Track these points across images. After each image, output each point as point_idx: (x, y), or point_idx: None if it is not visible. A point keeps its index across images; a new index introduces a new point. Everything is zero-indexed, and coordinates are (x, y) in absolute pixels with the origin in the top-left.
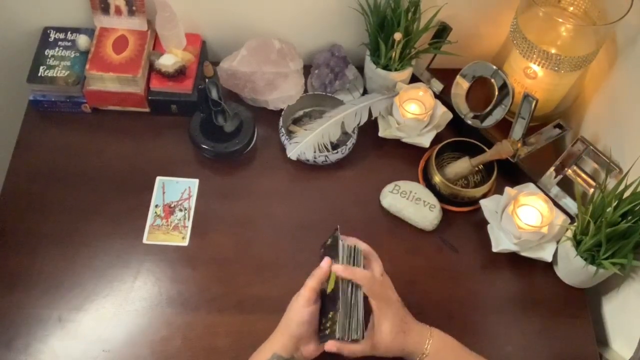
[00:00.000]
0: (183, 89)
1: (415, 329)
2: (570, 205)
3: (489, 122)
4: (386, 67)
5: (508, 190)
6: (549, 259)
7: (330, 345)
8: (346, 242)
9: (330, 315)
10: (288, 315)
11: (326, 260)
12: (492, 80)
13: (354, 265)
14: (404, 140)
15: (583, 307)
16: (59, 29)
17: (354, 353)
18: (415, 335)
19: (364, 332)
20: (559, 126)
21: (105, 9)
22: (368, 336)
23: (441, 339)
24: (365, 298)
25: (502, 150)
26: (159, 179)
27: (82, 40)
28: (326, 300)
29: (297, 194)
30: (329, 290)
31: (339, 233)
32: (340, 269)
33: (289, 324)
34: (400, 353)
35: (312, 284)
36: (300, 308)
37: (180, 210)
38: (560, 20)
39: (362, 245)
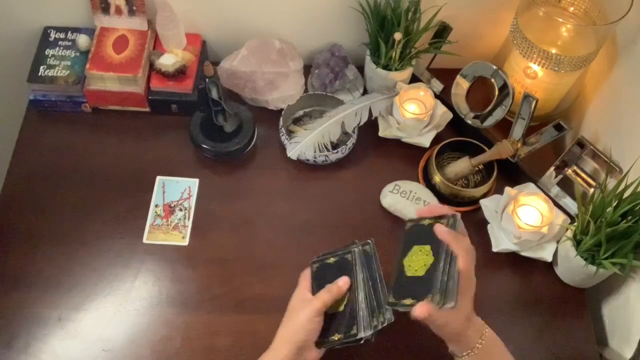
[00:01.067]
0: (183, 88)
1: (475, 321)
2: (570, 205)
3: (489, 122)
4: (386, 67)
5: (508, 190)
6: (549, 258)
7: (423, 308)
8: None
9: (335, 336)
10: (295, 324)
11: (344, 280)
12: (492, 80)
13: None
14: (404, 140)
15: (583, 307)
16: (59, 29)
17: (436, 320)
18: (474, 328)
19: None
20: (559, 126)
21: (106, 9)
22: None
23: (492, 342)
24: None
25: (502, 150)
26: (159, 178)
27: (83, 40)
28: (331, 319)
29: (297, 194)
30: (332, 310)
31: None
32: (444, 231)
33: (297, 331)
34: (455, 338)
35: (326, 298)
36: (312, 318)
37: (181, 210)
38: (561, 20)
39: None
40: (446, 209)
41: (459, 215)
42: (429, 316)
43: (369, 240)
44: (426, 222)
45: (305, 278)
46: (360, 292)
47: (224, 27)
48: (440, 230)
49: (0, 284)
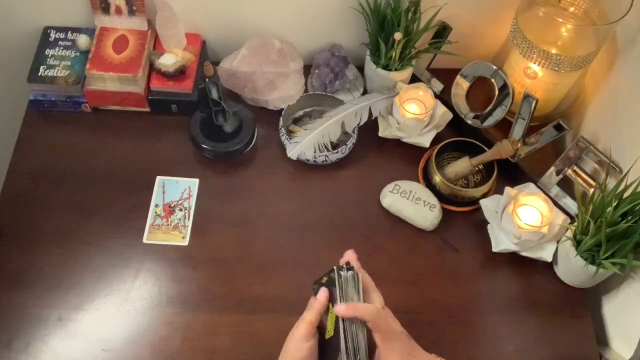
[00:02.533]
0: (183, 88)
1: None
2: (570, 205)
3: (489, 122)
4: (386, 67)
5: (508, 190)
6: (549, 259)
7: None
8: (343, 275)
9: None
10: (285, 354)
11: (323, 292)
12: (492, 80)
13: (357, 293)
14: (404, 140)
15: (583, 307)
16: (59, 29)
17: None
18: None
19: None
20: (559, 126)
21: (106, 9)
22: None
23: None
24: (369, 334)
25: (502, 150)
26: (159, 178)
27: (83, 40)
28: (326, 347)
29: (297, 194)
30: (327, 335)
31: (336, 273)
32: (343, 309)
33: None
34: None
35: (309, 317)
36: (299, 342)
37: (181, 209)
38: (561, 20)
39: (362, 273)
40: (348, 257)
41: (361, 271)
42: None
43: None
44: (323, 279)
45: (309, 310)
46: (340, 332)
47: (224, 27)
48: (339, 310)
49: (0, 284)
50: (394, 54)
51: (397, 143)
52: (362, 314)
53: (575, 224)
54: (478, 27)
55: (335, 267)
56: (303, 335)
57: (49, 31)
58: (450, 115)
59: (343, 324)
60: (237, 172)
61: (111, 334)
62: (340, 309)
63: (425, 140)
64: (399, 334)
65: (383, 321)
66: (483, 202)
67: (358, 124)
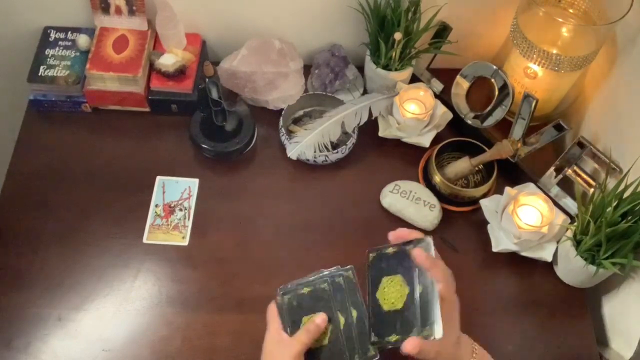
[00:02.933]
0: (183, 88)
1: (464, 340)
2: (570, 205)
3: (489, 122)
4: (386, 67)
5: (508, 190)
6: (549, 258)
7: (414, 343)
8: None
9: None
10: None
11: (322, 317)
12: (492, 80)
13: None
14: (404, 140)
15: (583, 307)
16: (59, 29)
17: (428, 352)
18: (464, 348)
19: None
20: (559, 126)
21: (106, 9)
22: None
23: (483, 357)
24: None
25: (502, 150)
26: (159, 178)
27: (83, 40)
28: (314, 355)
29: (297, 194)
30: (319, 344)
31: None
32: (423, 256)
33: None
34: None
35: (306, 340)
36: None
37: (181, 210)
38: (561, 20)
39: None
40: (415, 234)
41: (430, 238)
42: (420, 351)
43: (349, 267)
44: (390, 250)
45: (274, 317)
46: (342, 326)
47: (224, 27)
48: (418, 255)
49: (0, 284)
50: (394, 54)
51: (397, 143)
52: (439, 272)
53: (575, 224)
54: (478, 27)
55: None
56: (297, 355)
57: (49, 31)
58: (450, 115)
59: (416, 284)
60: (237, 172)
61: (111, 334)
62: (420, 254)
63: (425, 140)
64: (457, 306)
65: (452, 286)
66: (483, 202)
67: (358, 124)
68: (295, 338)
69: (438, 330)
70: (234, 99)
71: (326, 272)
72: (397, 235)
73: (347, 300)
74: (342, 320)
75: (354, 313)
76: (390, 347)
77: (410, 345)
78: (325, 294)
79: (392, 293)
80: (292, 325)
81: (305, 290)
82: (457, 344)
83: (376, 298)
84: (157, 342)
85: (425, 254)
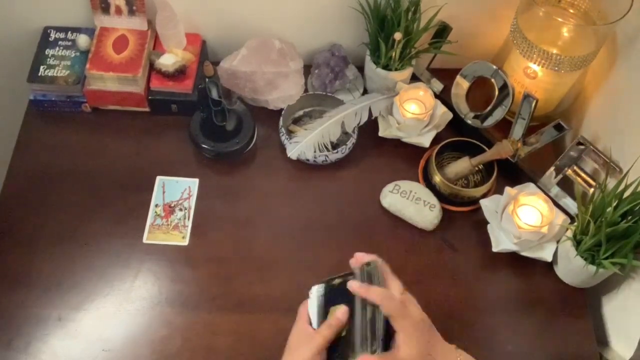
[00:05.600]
0: (183, 88)
1: (441, 351)
2: (570, 205)
3: (489, 122)
4: (386, 67)
5: (508, 190)
6: (549, 258)
7: None
8: (366, 270)
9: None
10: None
11: (343, 312)
12: (492, 80)
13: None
14: (404, 140)
15: (583, 307)
16: (59, 29)
17: None
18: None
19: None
20: (559, 126)
21: (106, 9)
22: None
23: None
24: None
25: (502, 150)
26: (159, 178)
27: (83, 40)
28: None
29: (297, 194)
30: (341, 334)
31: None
32: (356, 286)
33: None
34: None
35: (328, 334)
36: (314, 355)
37: (181, 209)
38: (561, 20)
39: (379, 262)
40: (367, 257)
41: (379, 260)
42: None
43: (370, 262)
44: (336, 282)
45: (303, 312)
46: (357, 320)
47: (224, 27)
48: (352, 286)
49: (0, 284)
50: (394, 54)
51: (397, 143)
52: (374, 297)
53: (575, 224)
54: (478, 27)
55: (358, 267)
56: (317, 350)
57: (49, 31)
58: (450, 115)
59: (361, 310)
60: (237, 172)
61: (111, 334)
62: (354, 285)
63: (425, 140)
64: (418, 321)
65: (396, 306)
66: (483, 202)
67: (358, 124)
68: (318, 332)
69: (378, 345)
70: (230, 98)
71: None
72: (357, 259)
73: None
74: (357, 317)
75: (369, 309)
76: None
77: None
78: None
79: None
80: (318, 320)
81: (335, 282)
82: (427, 356)
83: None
84: (157, 342)
85: (357, 284)
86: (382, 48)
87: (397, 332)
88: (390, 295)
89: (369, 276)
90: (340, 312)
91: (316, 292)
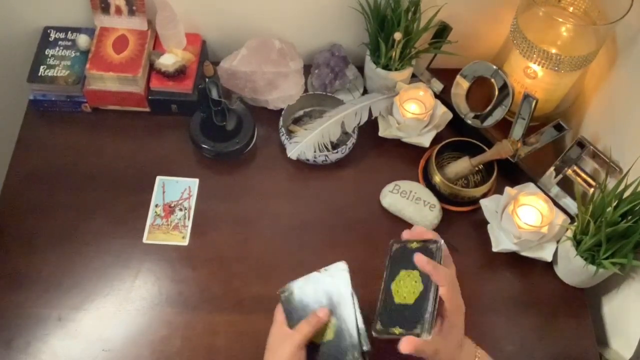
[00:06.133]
0: (183, 88)
1: (467, 345)
2: (570, 205)
3: (489, 122)
4: (386, 67)
5: (508, 190)
6: (549, 258)
7: (408, 343)
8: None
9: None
10: (275, 358)
11: (324, 311)
12: (492, 80)
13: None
14: (404, 140)
15: (583, 307)
16: (59, 29)
17: (424, 352)
18: (466, 352)
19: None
20: (559, 126)
21: (106, 9)
22: (435, 339)
23: None
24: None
25: (502, 150)
26: (159, 178)
27: (83, 40)
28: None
29: (297, 194)
30: (323, 339)
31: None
32: (424, 261)
33: None
34: None
35: (306, 330)
36: (294, 352)
37: (180, 209)
38: (560, 20)
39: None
40: (431, 234)
41: (442, 242)
42: (416, 350)
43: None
44: (413, 244)
45: (279, 313)
46: (348, 320)
47: (224, 27)
48: (420, 260)
49: (0, 284)
50: (394, 54)
51: (397, 143)
52: (439, 276)
53: (575, 224)
54: (478, 27)
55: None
56: (297, 346)
57: (49, 31)
58: (450, 115)
59: (432, 285)
60: (237, 172)
61: (111, 334)
62: (422, 260)
63: (425, 140)
64: (462, 312)
65: (455, 294)
66: (483, 202)
67: (358, 124)
68: (297, 329)
69: (427, 331)
70: (230, 98)
71: (325, 269)
72: (413, 233)
73: (353, 297)
74: (347, 318)
75: (356, 309)
76: (391, 338)
77: (404, 344)
78: (328, 289)
79: (406, 287)
80: (297, 320)
81: (309, 287)
82: (459, 347)
83: (390, 288)
84: (157, 342)
85: (425, 259)
86: (382, 48)
87: (445, 317)
88: (454, 281)
89: (433, 254)
90: (322, 312)
91: (287, 294)
